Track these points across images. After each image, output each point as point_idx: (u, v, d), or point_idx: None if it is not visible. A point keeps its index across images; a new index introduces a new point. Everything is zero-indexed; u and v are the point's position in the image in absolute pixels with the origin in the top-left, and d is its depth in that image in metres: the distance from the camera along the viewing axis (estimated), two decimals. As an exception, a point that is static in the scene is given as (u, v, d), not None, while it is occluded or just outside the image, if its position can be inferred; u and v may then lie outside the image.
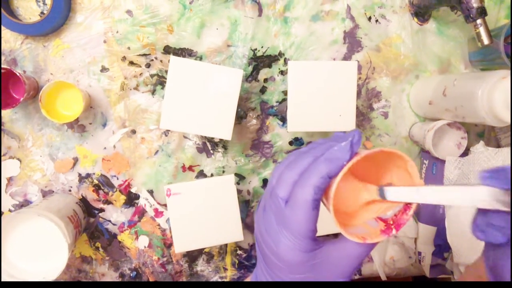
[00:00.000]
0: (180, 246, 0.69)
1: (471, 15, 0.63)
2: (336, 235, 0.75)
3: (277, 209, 0.37)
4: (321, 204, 0.38)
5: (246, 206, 0.80)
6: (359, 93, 0.79)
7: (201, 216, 0.69)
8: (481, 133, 0.82)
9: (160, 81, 0.75)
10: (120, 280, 0.80)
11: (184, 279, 0.81)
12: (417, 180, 0.34)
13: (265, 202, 0.40)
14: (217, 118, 0.64)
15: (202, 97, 0.64)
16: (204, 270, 0.81)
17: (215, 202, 0.69)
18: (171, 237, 0.77)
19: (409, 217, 0.35)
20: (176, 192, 0.68)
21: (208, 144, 0.77)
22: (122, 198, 0.77)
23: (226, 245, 0.80)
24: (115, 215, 0.78)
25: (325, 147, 0.36)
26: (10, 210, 0.76)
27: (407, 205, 0.36)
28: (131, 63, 0.74)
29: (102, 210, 0.77)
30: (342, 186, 0.37)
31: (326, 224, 0.67)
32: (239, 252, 0.81)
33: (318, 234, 0.39)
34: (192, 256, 0.80)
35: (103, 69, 0.74)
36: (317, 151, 0.37)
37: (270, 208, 0.38)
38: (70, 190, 0.76)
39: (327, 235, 0.75)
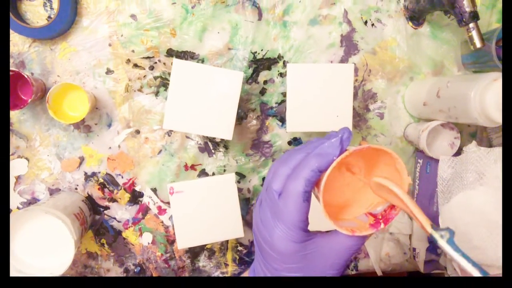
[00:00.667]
0: (183, 243, 0.70)
1: (464, 19, 0.64)
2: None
3: (271, 202, 0.39)
4: (316, 200, 0.40)
5: (247, 204, 0.81)
6: (355, 95, 0.80)
7: (203, 214, 0.70)
8: (474, 133, 0.83)
9: (163, 83, 0.76)
10: (124, 275, 0.81)
11: (186, 274, 0.82)
12: (405, 177, 0.36)
13: (261, 197, 0.42)
14: (218, 118, 0.65)
15: (204, 98, 0.65)
16: (206, 265, 0.82)
17: (217, 200, 0.70)
18: (174, 234, 0.77)
19: (397, 212, 0.37)
20: (179, 190, 0.69)
21: (209, 143, 0.79)
22: (127, 196, 0.78)
23: (227, 241, 0.81)
24: (119, 212, 0.79)
25: (317, 144, 0.38)
26: (18, 208, 0.77)
27: None
28: (135, 65, 0.75)
29: (107, 207, 0.79)
30: (334, 181, 0.40)
31: (323, 221, 0.69)
32: (239, 248, 0.82)
33: (314, 229, 0.41)
34: (194, 252, 0.81)
35: (108, 72, 0.75)
36: (309, 147, 0.39)
37: (265, 202, 0.40)
38: (76, 188, 0.78)
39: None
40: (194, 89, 0.65)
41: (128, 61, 0.75)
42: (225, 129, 0.66)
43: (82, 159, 0.77)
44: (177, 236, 0.70)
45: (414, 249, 0.82)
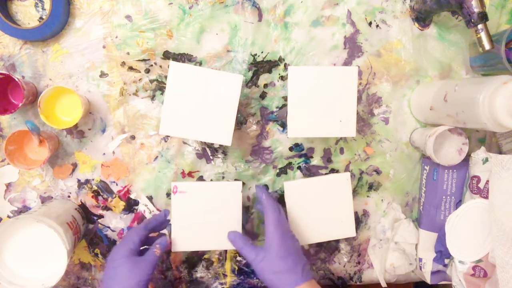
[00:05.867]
0: (178, 246, 0.69)
1: (472, 20, 0.63)
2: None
3: None
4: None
5: (246, 212, 0.79)
6: (359, 99, 0.78)
7: (203, 218, 0.69)
8: (482, 139, 0.82)
9: (160, 86, 0.74)
10: (119, 286, 0.79)
11: (183, 286, 0.80)
12: None
13: None
14: (217, 123, 0.64)
15: (202, 102, 0.64)
16: (204, 276, 0.80)
17: (219, 207, 0.69)
18: (170, 242, 0.76)
19: None
20: (183, 190, 0.68)
21: (207, 150, 0.77)
22: (122, 204, 0.77)
23: (225, 251, 0.80)
24: (114, 221, 0.77)
25: None
26: (8, 216, 0.75)
27: None
28: (131, 68, 0.74)
29: (101, 216, 0.77)
30: None
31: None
32: (238, 258, 0.81)
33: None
34: (191, 263, 0.80)
35: (102, 75, 0.73)
36: None
37: None
38: (69, 196, 0.76)
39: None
40: (191, 93, 0.63)
41: (123, 63, 0.73)
42: (224, 135, 0.64)
43: (75, 166, 0.75)
44: (173, 238, 0.68)
45: (420, 259, 0.80)
